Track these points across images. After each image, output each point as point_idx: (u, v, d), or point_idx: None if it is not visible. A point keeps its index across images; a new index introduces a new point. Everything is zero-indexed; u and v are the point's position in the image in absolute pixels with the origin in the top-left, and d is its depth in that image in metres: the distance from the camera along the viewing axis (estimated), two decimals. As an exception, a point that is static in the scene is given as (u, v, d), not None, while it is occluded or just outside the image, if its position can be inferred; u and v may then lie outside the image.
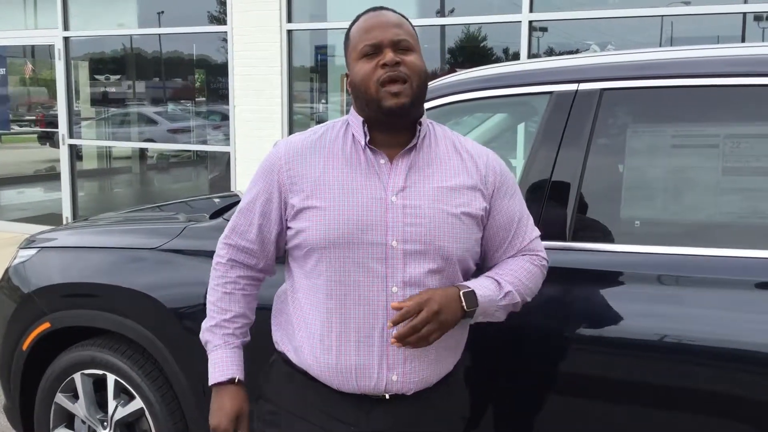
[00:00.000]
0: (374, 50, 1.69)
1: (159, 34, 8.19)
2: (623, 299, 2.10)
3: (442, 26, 6.66)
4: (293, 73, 7.17)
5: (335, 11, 7.28)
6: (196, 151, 8.52)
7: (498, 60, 6.29)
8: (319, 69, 7.49)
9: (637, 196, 2.25)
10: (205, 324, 1.91)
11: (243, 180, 7.30)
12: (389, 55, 1.68)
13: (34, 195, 9.93)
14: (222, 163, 8.03)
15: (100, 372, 2.89)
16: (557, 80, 2.27)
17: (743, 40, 5.54)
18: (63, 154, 8.50)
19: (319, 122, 7.06)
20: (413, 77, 1.69)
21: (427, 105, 2.35)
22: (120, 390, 2.88)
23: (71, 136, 8.51)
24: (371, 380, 1.73)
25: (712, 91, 2.11)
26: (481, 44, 6.62)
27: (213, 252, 1.94)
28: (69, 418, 3.05)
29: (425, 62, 1.75)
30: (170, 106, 8.57)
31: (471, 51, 6.71)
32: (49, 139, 9.55)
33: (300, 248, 1.77)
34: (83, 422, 3.00)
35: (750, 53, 2.26)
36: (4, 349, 3.14)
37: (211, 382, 1.87)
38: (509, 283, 1.78)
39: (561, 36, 6.27)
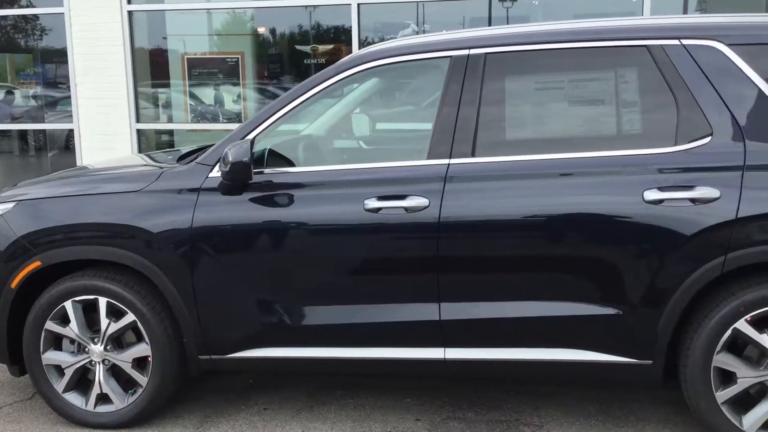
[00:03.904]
0: None
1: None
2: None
3: (282, 7, 7.48)
4: (135, 53, 7.60)
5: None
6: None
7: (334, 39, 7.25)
8: (160, 48, 7.97)
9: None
10: None
11: (88, 154, 7.62)
12: None
13: None
14: (61, 140, 8.25)
15: (91, 297, 3.48)
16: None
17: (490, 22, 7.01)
18: None
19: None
20: None
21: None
22: (109, 310, 3.50)
23: None
24: None
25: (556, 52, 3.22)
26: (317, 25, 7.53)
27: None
28: (57, 342, 3.61)
29: None
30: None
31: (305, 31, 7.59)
32: None
33: None
34: (72, 342, 3.57)
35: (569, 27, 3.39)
36: (-13, 292, 3.60)
37: None
38: None
39: (385, 17, 7.36)
